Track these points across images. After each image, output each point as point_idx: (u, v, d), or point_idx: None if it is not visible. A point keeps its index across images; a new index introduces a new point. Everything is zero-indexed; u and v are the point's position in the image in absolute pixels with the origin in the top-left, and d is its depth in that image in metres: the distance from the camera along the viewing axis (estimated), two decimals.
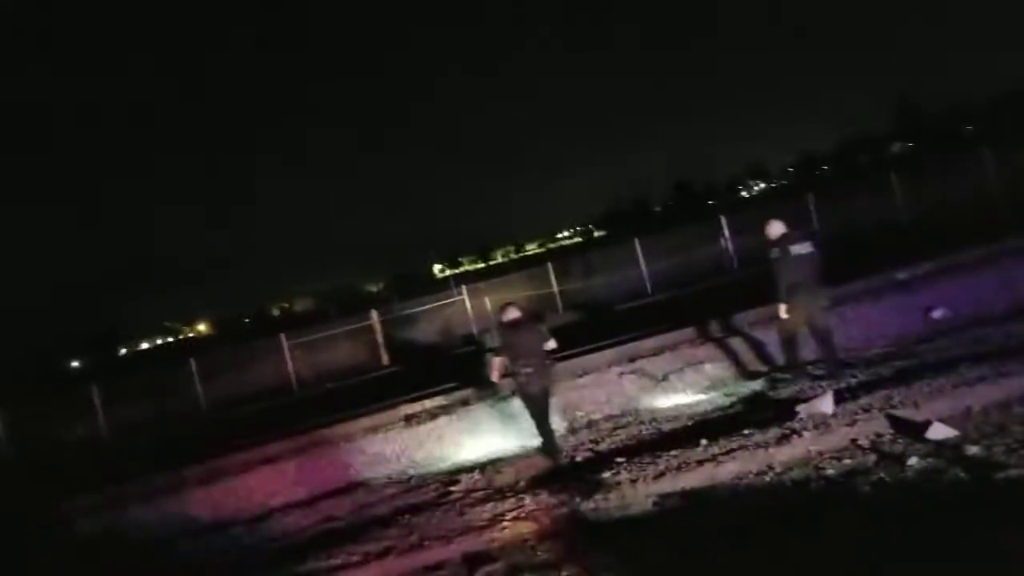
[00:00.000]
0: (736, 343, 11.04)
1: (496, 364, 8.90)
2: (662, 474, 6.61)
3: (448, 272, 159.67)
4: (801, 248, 8.78)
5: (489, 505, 7.05)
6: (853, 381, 8.23)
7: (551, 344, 8.52)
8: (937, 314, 10.15)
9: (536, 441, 8.73)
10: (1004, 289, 10.41)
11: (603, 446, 8.41)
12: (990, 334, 8.60)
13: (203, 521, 9.66)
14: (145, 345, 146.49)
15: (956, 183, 24.00)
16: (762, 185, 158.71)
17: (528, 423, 8.70)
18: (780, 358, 10.12)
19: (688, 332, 12.48)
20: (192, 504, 10.08)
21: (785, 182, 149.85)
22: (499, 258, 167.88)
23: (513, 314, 8.66)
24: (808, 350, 10.20)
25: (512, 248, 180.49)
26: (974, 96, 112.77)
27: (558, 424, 9.53)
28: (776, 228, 9.06)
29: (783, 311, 8.84)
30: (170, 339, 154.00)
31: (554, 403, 8.96)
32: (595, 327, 14.46)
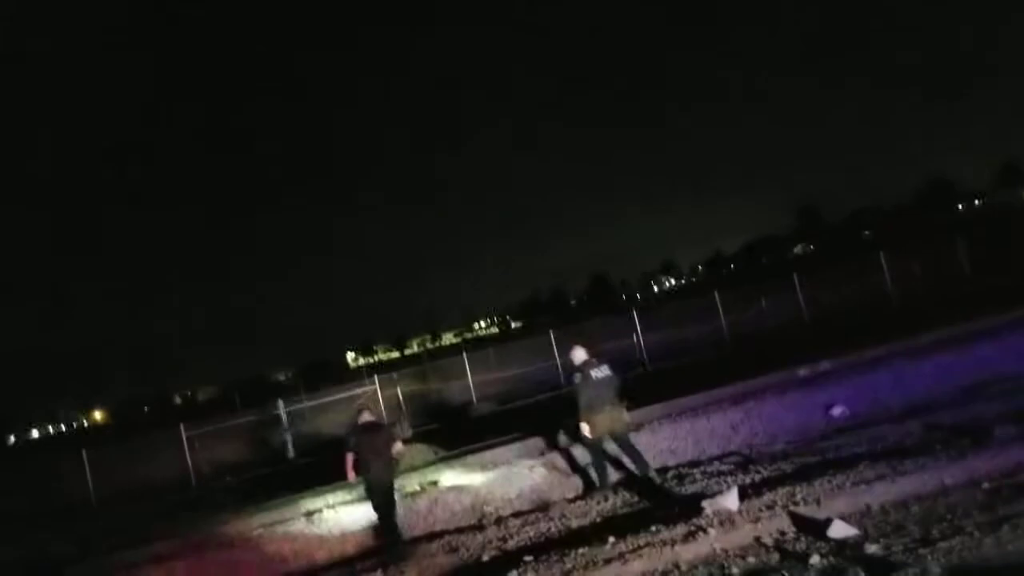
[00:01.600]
0: (645, 437, 11.13)
1: (349, 460, 9.65)
2: (569, 573, 6.50)
3: (361, 361, 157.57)
4: (599, 372, 9.85)
5: None
6: (758, 477, 8.36)
7: (399, 447, 9.89)
8: (836, 411, 10.49)
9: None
10: (898, 387, 10.86)
11: (511, 544, 8.25)
12: (886, 432, 8.90)
13: None
14: (36, 434, 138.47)
15: (854, 284, 25.30)
16: (673, 281, 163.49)
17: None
18: (692, 451, 10.31)
19: None
20: None
21: (694, 279, 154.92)
22: (415, 347, 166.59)
23: (366, 417, 9.94)
24: (714, 446, 10.42)
25: (428, 337, 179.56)
26: (882, 202, 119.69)
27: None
28: (579, 354, 10.16)
29: (585, 428, 9.75)
30: (63, 427, 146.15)
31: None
32: (509, 418, 14.38)
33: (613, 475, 10.11)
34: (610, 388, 9.79)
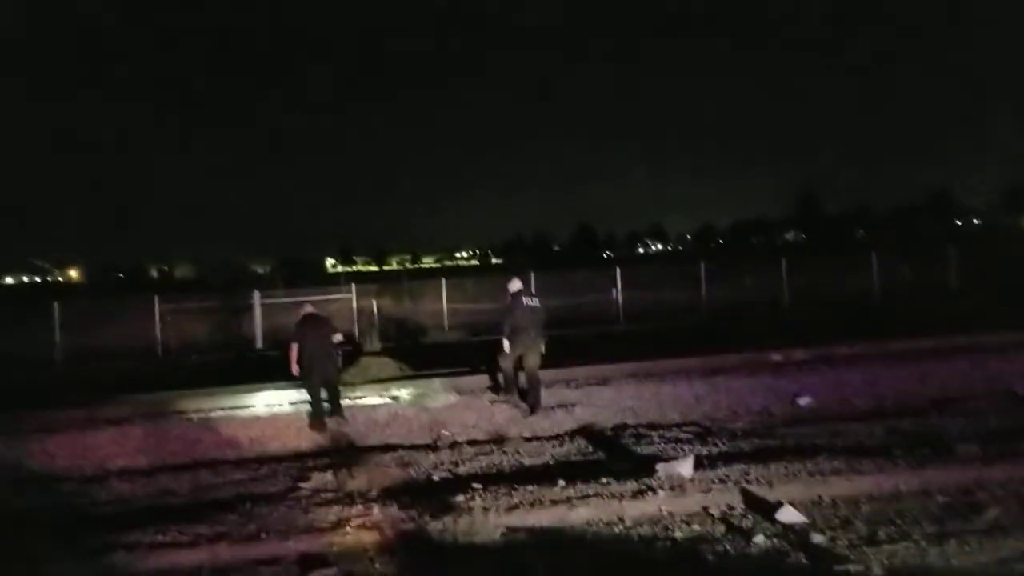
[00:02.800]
0: (609, 393, 11.21)
1: (294, 351, 10.49)
2: (515, 507, 6.57)
3: (340, 268, 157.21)
4: (530, 302, 10.96)
5: (336, 508, 6.85)
6: (715, 450, 8.44)
7: (338, 337, 11.01)
8: (803, 401, 10.56)
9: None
10: (868, 388, 10.94)
11: (462, 469, 8.33)
12: (849, 429, 8.97)
13: (34, 472, 9.07)
14: (9, 280, 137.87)
15: (841, 280, 25.34)
16: (660, 246, 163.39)
17: None
18: (654, 414, 10.41)
19: (565, 372, 12.64)
20: (25, 452, 9.47)
21: (681, 248, 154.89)
22: (394, 264, 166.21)
23: (308, 310, 11.03)
24: (676, 413, 10.51)
25: (409, 257, 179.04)
26: (882, 203, 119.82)
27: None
28: (515, 284, 11.25)
29: (505, 346, 10.85)
30: (37, 279, 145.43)
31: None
32: (477, 350, 14.41)
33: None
34: (535, 317, 10.86)
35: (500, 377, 11.37)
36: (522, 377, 10.99)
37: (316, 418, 10.39)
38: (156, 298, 22.11)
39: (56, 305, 21.13)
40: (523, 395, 10.95)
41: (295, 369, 10.49)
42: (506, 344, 10.90)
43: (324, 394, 10.56)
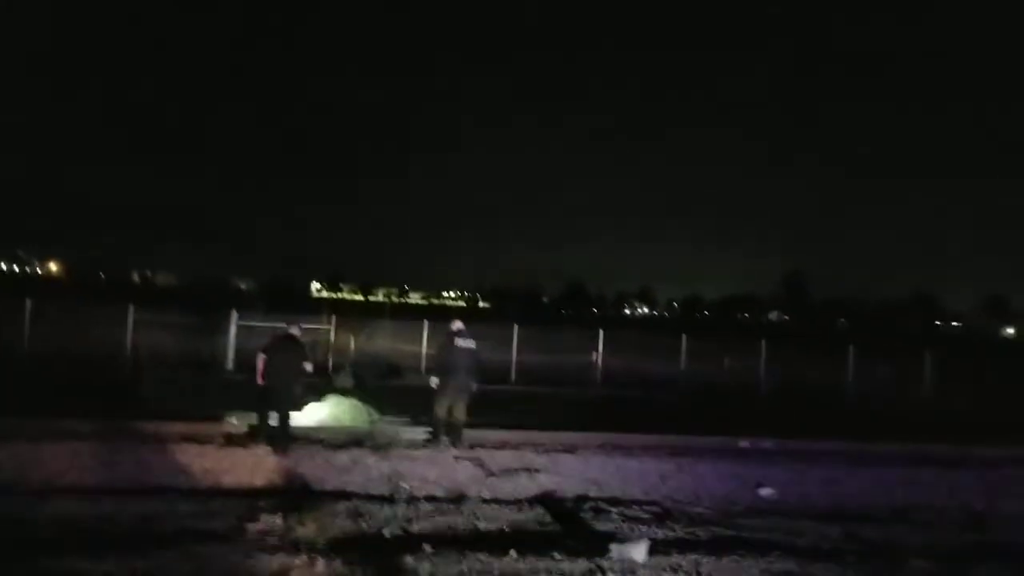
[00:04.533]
0: (575, 462, 11.12)
1: (260, 363, 10.83)
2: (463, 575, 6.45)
3: (325, 294, 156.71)
4: (465, 343, 11.47)
5: (279, 555, 6.69)
6: (671, 535, 8.33)
7: (308, 366, 11.21)
8: (764, 492, 10.47)
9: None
10: (830, 486, 10.89)
11: (416, 527, 8.16)
12: (807, 528, 8.87)
13: None
14: None
15: (818, 368, 25.49)
16: (646, 310, 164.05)
17: None
18: (616, 489, 10.31)
19: (533, 435, 12.56)
20: None
21: (667, 314, 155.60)
22: (380, 296, 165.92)
23: (290, 331, 11.37)
24: (638, 490, 10.41)
25: (395, 291, 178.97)
26: (867, 295, 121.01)
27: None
28: (456, 325, 11.82)
29: (433, 382, 11.50)
30: (15, 268, 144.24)
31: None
32: None
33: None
34: (468, 359, 11.48)
35: (433, 423, 11.67)
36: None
37: (254, 435, 10.80)
38: (131, 306, 21.90)
39: (28, 302, 20.88)
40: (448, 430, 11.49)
41: (260, 379, 10.82)
42: (434, 381, 11.48)
43: (274, 419, 10.76)
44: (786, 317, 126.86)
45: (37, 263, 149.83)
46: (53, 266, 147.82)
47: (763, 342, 25.93)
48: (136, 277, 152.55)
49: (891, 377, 26.09)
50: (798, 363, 26.28)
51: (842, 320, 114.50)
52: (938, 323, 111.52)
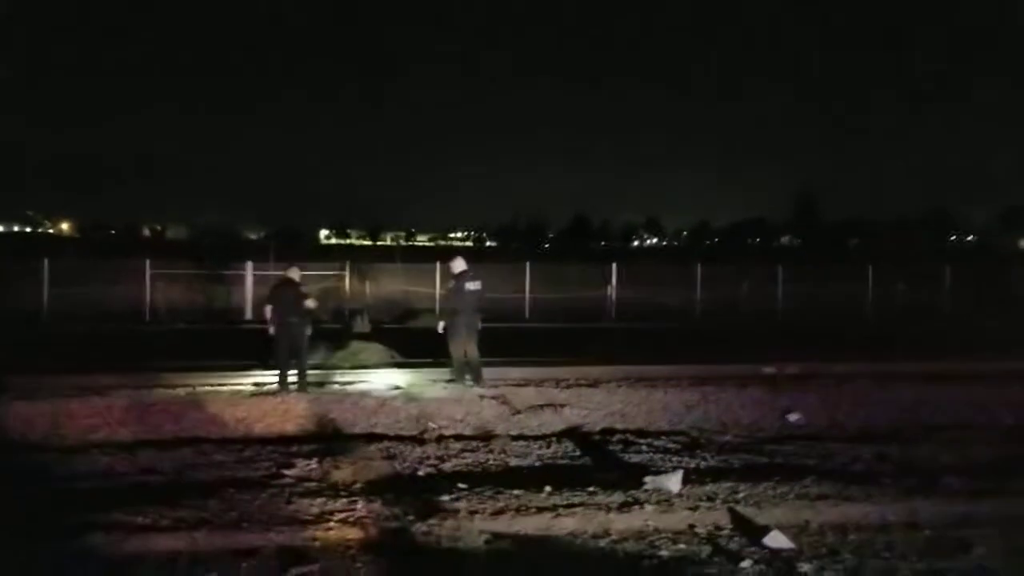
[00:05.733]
0: (599, 395, 11.14)
1: (268, 312, 11.08)
2: (501, 512, 6.51)
3: (334, 240, 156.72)
4: (472, 285, 11.33)
5: (319, 500, 6.77)
6: (703, 464, 8.39)
7: (309, 303, 11.21)
8: (793, 418, 10.51)
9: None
10: (858, 408, 10.90)
11: (447, 466, 8.25)
12: (839, 451, 8.91)
13: (11, 438, 8.94)
14: (0, 229, 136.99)
15: (836, 290, 25.34)
16: (655, 240, 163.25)
17: None
18: (642, 421, 10.36)
19: (555, 371, 12.58)
20: (5, 416, 9.33)
21: (676, 243, 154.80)
22: (388, 240, 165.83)
23: (288, 275, 11.37)
24: (664, 421, 10.45)
25: (403, 234, 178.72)
26: (879, 215, 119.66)
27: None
28: (458, 264, 11.62)
29: (440, 327, 11.52)
30: (28, 229, 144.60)
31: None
32: None
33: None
34: (476, 300, 11.36)
35: (452, 368, 11.67)
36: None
37: (281, 385, 10.90)
38: (148, 261, 21.96)
39: (46, 262, 20.96)
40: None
41: (271, 330, 11.02)
42: (440, 326, 11.51)
43: (293, 364, 11.01)
44: (798, 240, 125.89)
45: (48, 223, 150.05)
46: (65, 225, 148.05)
47: (779, 267, 25.82)
48: (147, 231, 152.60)
49: (910, 295, 26.00)
50: (815, 284, 26.14)
51: (855, 240, 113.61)
52: (953, 238, 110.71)
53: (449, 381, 11.62)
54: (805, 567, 5.64)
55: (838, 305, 24.08)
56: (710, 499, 6.87)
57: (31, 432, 9.09)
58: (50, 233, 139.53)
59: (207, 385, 11.14)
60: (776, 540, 6.00)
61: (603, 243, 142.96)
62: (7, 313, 18.92)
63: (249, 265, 22.69)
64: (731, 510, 6.60)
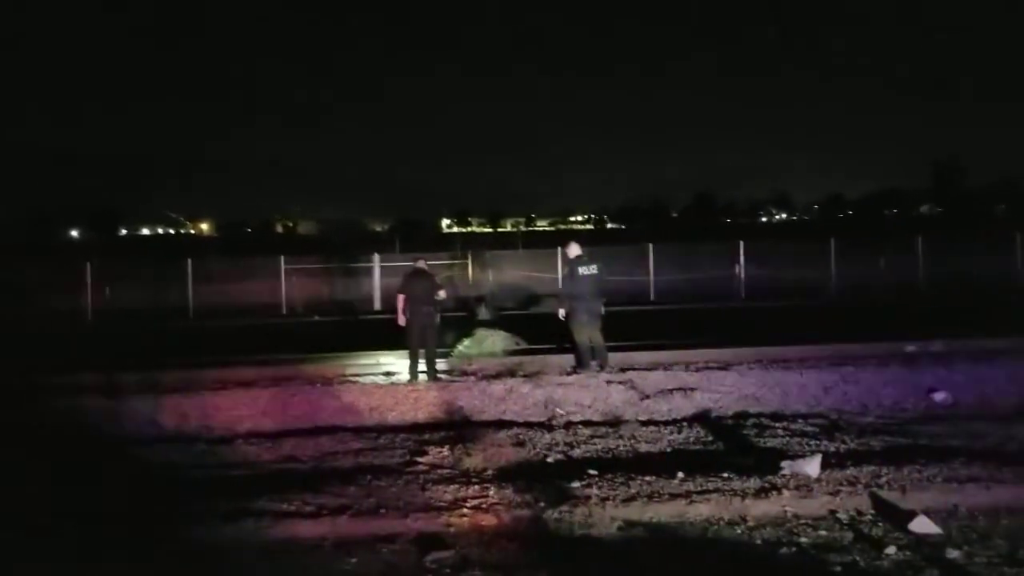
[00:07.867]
0: (730, 378, 10.87)
1: (400, 301, 11.22)
2: (632, 498, 6.45)
3: (455, 229, 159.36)
4: (587, 269, 11.24)
5: (453, 487, 6.90)
6: (843, 448, 8.06)
7: (441, 294, 11.36)
8: (939, 397, 9.95)
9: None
10: (1012, 385, 10.21)
11: (577, 452, 8.25)
12: (990, 431, 8.40)
13: (165, 429, 9.54)
14: (146, 231, 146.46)
15: (982, 261, 23.79)
16: (784, 216, 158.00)
17: None
18: (777, 404, 10.05)
19: (683, 354, 12.37)
20: (159, 408, 9.96)
21: (807, 217, 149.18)
22: (508, 227, 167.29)
23: (418, 265, 11.58)
24: (801, 403, 10.10)
25: (523, 220, 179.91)
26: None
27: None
28: (573, 250, 11.59)
29: (561, 313, 11.46)
30: (171, 230, 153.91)
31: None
32: None
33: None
34: (593, 284, 11.22)
35: (577, 352, 11.58)
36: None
37: (411, 374, 11.20)
38: (282, 258, 22.99)
39: (189, 262, 22.27)
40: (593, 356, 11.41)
41: (401, 320, 11.22)
42: (561, 312, 11.42)
43: (423, 353, 11.21)
44: (938, 209, 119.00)
45: (188, 224, 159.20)
46: (204, 226, 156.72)
47: (919, 238, 24.51)
48: (280, 228, 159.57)
49: None
50: (959, 256, 24.61)
51: (1002, 206, 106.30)
52: None
53: (575, 367, 11.59)
54: (954, 553, 5.34)
55: (984, 277, 22.61)
56: (851, 484, 6.58)
57: (186, 424, 9.67)
58: (191, 233, 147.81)
59: (342, 375, 11.55)
60: (922, 526, 5.70)
61: (727, 220, 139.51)
62: (158, 312, 20.20)
63: (376, 257, 23.38)
64: (873, 495, 6.31)
